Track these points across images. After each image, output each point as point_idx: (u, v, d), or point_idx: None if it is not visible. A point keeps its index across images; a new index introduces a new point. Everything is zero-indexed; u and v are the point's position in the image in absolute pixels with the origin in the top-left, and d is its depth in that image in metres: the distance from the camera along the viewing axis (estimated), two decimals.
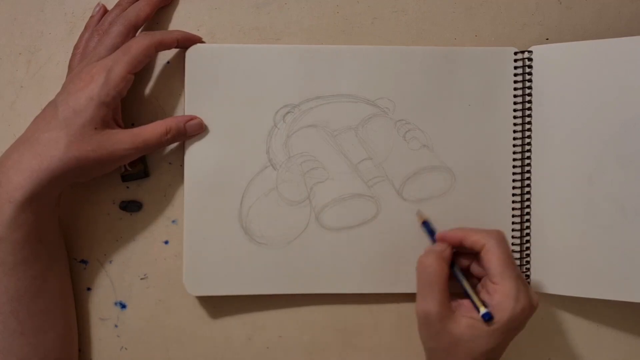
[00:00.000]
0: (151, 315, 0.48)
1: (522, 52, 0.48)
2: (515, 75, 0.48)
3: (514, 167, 0.48)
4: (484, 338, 0.40)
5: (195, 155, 0.46)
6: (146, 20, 0.45)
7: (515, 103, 0.48)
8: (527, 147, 0.48)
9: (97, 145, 0.41)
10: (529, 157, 0.48)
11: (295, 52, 0.47)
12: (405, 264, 0.47)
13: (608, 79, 0.46)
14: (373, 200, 0.47)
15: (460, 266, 0.44)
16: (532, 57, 0.48)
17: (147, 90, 0.48)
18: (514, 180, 0.48)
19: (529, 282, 0.48)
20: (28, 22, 0.48)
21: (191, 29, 0.48)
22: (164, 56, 0.48)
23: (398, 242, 0.47)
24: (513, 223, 0.48)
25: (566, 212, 0.47)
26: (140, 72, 0.43)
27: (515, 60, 0.48)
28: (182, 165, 0.47)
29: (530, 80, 0.48)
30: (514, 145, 0.48)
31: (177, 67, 0.48)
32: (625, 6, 0.49)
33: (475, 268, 0.44)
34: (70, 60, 0.46)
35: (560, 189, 0.47)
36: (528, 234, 0.48)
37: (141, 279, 0.48)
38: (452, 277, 0.43)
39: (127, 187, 0.48)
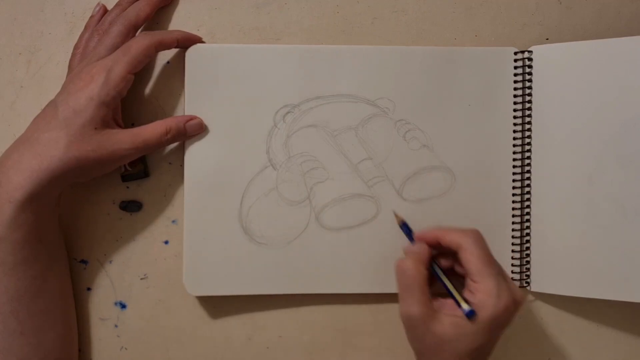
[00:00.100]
0: (151, 315, 0.48)
1: (522, 52, 0.48)
2: (515, 75, 0.48)
3: (514, 167, 0.48)
4: (469, 336, 0.40)
5: (195, 155, 0.46)
6: (146, 20, 0.45)
7: (515, 103, 0.48)
8: (527, 147, 0.48)
9: (97, 145, 0.41)
10: (529, 157, 0.48)
11: (295, 52, 0.47)
12: None
13: (608, 79, 0.46)
14: (373, 200, 0.47)
15: (444, 267, 0.44)
16: (532, 57, 0.48)
17: (147, 90, 0.48)
18: (514, 180, 0.48)
19: (529, 282, 0.48)
20: (28, 22, 0.48)
21: (191, 29, 0.48)
22: (164, 56, 0.48)
23: (398, 242, 0.47)
24: (513, 223, 0.48)
25: (566, 212, 0.47)
26: (140, 72, 0.43)
27: (515, 60, 0.48)
28: (182, 165, 0.47)
29: (530, 80, 0.48)
30: (514, 145, 0.48)
31: (177, 67, 0.48)
32: (625, 6, 0.49)
33: (458, 268, 0.44)
34: (70, 60, 0.46)
35: (560, 189, 0.47)
36: (528, 234, 0.48)
37: (141, 279, 0.48)
38: (435, 278, 0.43)
39: (127, 187, 0.48)
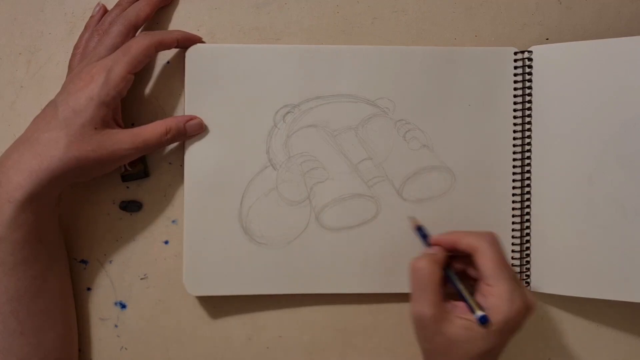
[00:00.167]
0: (151, 315, 0.48)
1: (522, 52, 0.48)
2: (515, 75, 0.48)
3: (514, 167, 0.48)
4: (480, 340, 0.40)
5: (195, 155, 0.46)
6: (146, 20, 0.45)
7: (515, 103, 0.48)
8: (527, 147, 0.48)
9: (97, 145, 0.41)
10: (529, 157, 0.48)
11: (295, 52, 0.47)
12: (405, 264, 0.46)
13: (608, 79, 0.46)
14: (373, 200, 0.47)
15: (457, 270, 0.44)
16: (532, 57, 0.48)
17: (147, 90, 0.48)
18: (514, 180, 0.48)
19: (529, 282, 0.48)
20: (28, 22, 0.48)
21: (191, 29, 0.48)
22: (164, 56, 0.48)
23: (398, 242, 0.47)
24: (513, 223, 0.48)
25: (566, 212, 0.47)
26: (140, 72, 0.43)
27: (515, 60, 0.48)
28: (182, 165, 0.47)
29: (530, 80, 0.48)
30: (514, 145, 0.48)
31: (177, 67, 0.48)
32: (625, 6, 0.49)
33: (471, 271, 0.44)
34: (70, 60, 0.46)
35: (560, 189, 0.47)
36: (528, 234, 0.48)
37: (141, 279, 0.48)
38: (448, 281, 0.43)
39: (127, 187, 0.48)
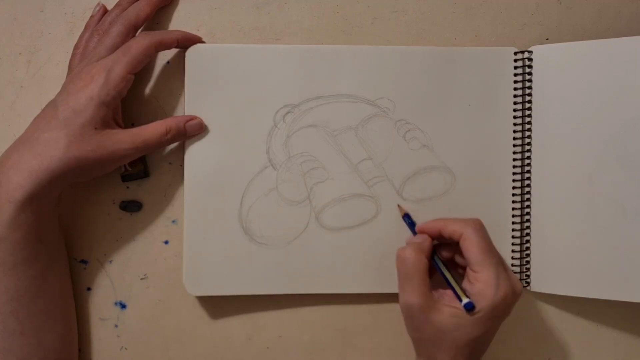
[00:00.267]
0: (151, 315, 0.48)
1: (522, 52, 0.48)
2: (515, 75, 0.48)
3: (514, 167, 0.48)
4: (468, 327, 0.40)
5: (195, 155, 0.46)
6: (146, 20, 0.45)
7: (515, 103, 0.48)
8: (527, 147, 0.48)
9: (97, 145, 0.41)
10: (529, 157, 0.48)
11: (295, 52, 0.47)
12: None
13: (608, 79, 0.46)
14: (373, 200, 0.47)
15: (444, 257, 0.44)
16: (532, 57, 0.48)
17: (147, 90, 0.48)
18: (514, 180, 0.48)
19: (529, 282, 0.48)
20: (28, 22, 0.48)
21: (191, 29, 0.48)
22: (164, 56, 0.48)
23: (398, 242, 0.47)
24: (513, 223, 0.48)
25: (566, 212, 0.47)
26: (140, 72, 0.43)
27: (515, 60, 0.48)
28: (182, 165, 0.47)
29: (530, 80, 0.48)
30: (514, 145, 0.48)
31: (177, 67, 0.48)
32: (625, 6, 0.49)
33: (459, 258, 0.44)
34: (70, 60, 0.46)
35: (560, 189, 0.47)
36: (528, 234, 0.48)
37: (141, 279, 0.48)
38: (436, 269, 0.44)
39: (127, 187, 0.48)
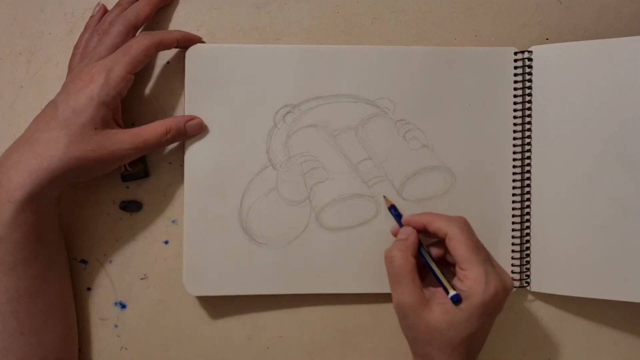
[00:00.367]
0: (151, 315, 0.48)
1: (522, 52, 0.48)
2: (515, 75, 0.48)
3: (514, 167, 0.48)
4: (461, 325, 0.40)
5: (195, 155, 0.46)
6: (146, 20, 0.45)
7: (515, 103, 0.48)
8: (527, 147, 0.48)
9: (97, 145, 0.41)
10: (529, 157, 0.48)
11: (295, 52, 0.47)
12: None
13: (608, 79, 0.46)
14: (373, 200, 0.47)
15: (435, 256, 0.45)
16: (532, 57, 0.48)
17: (147, 90, 0.48)
18: (514, 180, 0.48)
19: (529, 282, 0.48)
20: (28, 22, 0.48)
21: (191, 29, 0.48)
22: (164, 56, 0.48)
23: None
24: (513, 223, 0.48)
25: (566, 212, 0.47)
26: (140, 72, 0.43)
27: (515, 60, 0.48)
28: (182, 165, 0.47)
29: (530, 80, 0.48)
30: (514, 145, 0.48)
31: (177, 67, 0.48)
32: (625, 6, 0.49)
33: (449, 257, 0.44)
34: (70, 60, 0.46)
35: (560, 189, 0.47)
36: (528, 234, 0.48)
37: (141, 279, 0.48)
38: (424, 262, 0.44)
39: (127, 187, 0.48)
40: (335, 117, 0.47)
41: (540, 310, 0.50)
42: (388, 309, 0.49)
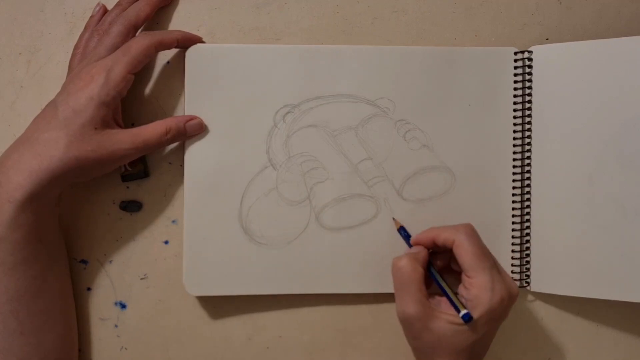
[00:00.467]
0: (151, 315, 0.48)
1: (522, 52, 0.48)
2: (515, 75, 0.48)
3: (514, 167, 0.48)
4: (466, 332, 0.40)
5: (195, 155, 0.46)
6: (146, 20, 0.45)
7: (515, 103, 0.48)
8: (527, 147, 0.48)
9: (97, 145, 0.41)
10: (529, 157, 0.48)
11: (295, 52, 0.47)
12: None
13: (608, 79, 0.46)
14: (373, 200, 0.47)
15: (439, 266, 0.45)
16: (532, 57, 0.48)
17: (147, 90, 0.48)
18: (514, 180, 0.48)
19: (529, 282, 0.48)
20: (28, 22, 0.48)
21: (191, 29, 0.48)
22: (164, 56, 0.48)
23: (398, 242, 0.47)
24: (513, 223, 0.48)
25: (566, 212, 0.47)
26: (140, 72, 0.43)
27: (515, 60, 0.48)
28: (182, 165, 0.47)
29: (530, 80, 0.48)
30: (514, 145, 0.48)
31: (177, 67, 0.48)
32: (625, 6, 0.49)
33: (454, 265, 0.44)
34: (70, 60, 0.46)
35: (560, 189, 0.47)
36: (528, 234, 0.48)
37: (141, 279, 0.48)
38: (433, 280, 0.44)
39: (127, 187, 0.48)
40: (335, 117, 0.47)
41: (540, 310, 0.50)
42: (388, 309, 0.49)
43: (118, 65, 0.42)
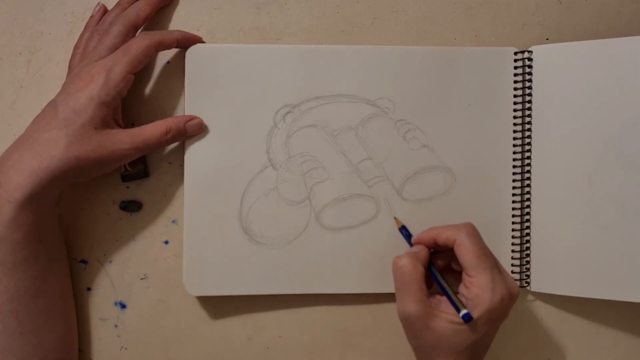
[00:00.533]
0: (151, 315, 0.48)
1: (522, 52, 0.48)
2: (515, 75, 0.48)
3: (514, 167, 0.48)
4: (467, 332, 0.40)
5: (195, 155, 0.46)
6: (146, 20, 0.45)
7: (515, 103, 0.48)
8: (527, 147, 0.48)
9: (97, 145, 0.41)
10: (529, 157, 0.48)
11: (295, 52, 0.47)
12: None
13: (608, 79, 0.46)
14: (373, 200, 0.47)
15: (440, 266, 0.45)
16: (532, 57, 0.48)
17: (147, 90, 0.48)
18: (514, 180, 0.48)
19: (529, 282, 0.48)
20: (28, 22, 0.48)
21: (191, 29, 0.48)
22: (164, 56, 0.48)
23: (398, 242, 0.47)
24: (513, 223, 0.48)
25: (566, 212, 0.47)
26: (140, 72, 0.43)
27: (515, 60, 0.48)
28: (182, 165, 0.47)
29: (530, 80, 0.48)
30: (514, 145, 0.48)
31: (177, 67, 0.48)
32: (625, 6, 0.49)
33: (454, 264, 0.44)
34: (70, 60, 0.46)
35: (560, 189, 0.47)
36: (528, 234, 0.48)
37: (141, 279, 0.48)
38: (434, 280, 0.44)
39: (127, 187, 0.48)
40: (335, 117, 0.47)
41: (540, 310, 0.50)
42: (388, 309, 0.49)
43: (118, 65, 0.42)
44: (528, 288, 0.48)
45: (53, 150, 0.40)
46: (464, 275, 0.42)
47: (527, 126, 0.48)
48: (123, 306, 0.48)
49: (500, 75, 0.48)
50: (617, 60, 0.46)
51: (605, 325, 0.50)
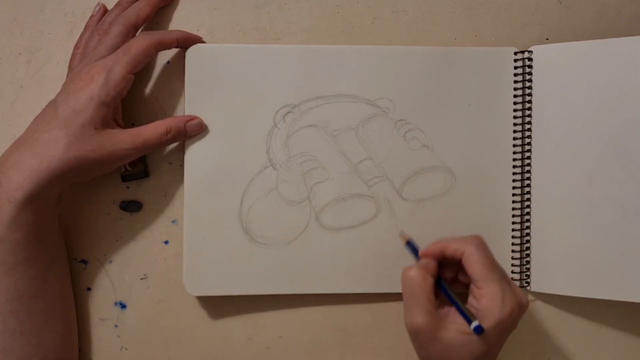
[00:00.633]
0: (151, 315, 0.48)
1: (522, 52, 0.48)
2: (515, 75, 0.48)
3: (514, 167, 0.48)
4: (475, 343, 0.40)
5: (195, 155, 0.46)
6: (146, 20, 0.45)
7: (515, 103, 0.48)
8: (527, 147, 0.48)
9: (97, 145, 0.41)
10: (529, 157, 0.48)
11: (295, 52, 0.47)
12: (405, 264, 0.46)
13: (608, 79, 0.46)
14: (373, 201, 0.47)
15: (447, 278, 0.44)
16: (532, 57, 0.48)
17: (147, 90, 0.48)
18: (514, 180, 0.48)
19: (529, 282, 0.48)
20: (28, 22, 0.48)
21: (191, 29, 0.48)
22: (164, 56, 0.48)
23: (398, 242, 0.47)
24: (513, 223, 0.48)
25: (566, 212, 0.47)
26: (140, 72, 0.43)
27: (515, 60, 0.48)
28: (182, 165, 0.47)
29: (530, 80, 0.48)
30: (514, 145, 0.48)
31: (177, 67, 0.48)
32: (625, 6, 0.49)
33: (462, 276, 0.44)
34: (70, 60, 0.46)
35: (560, 189, 0.47)
36: (528, 234, 0.48)
37: (141, 279, 0.48)
38: (443, 293, 0.43)
39: (127, 187, 0.48)
40: (335, 117, 0.47)
41: (541, 310, 0.50)
42: (388, 309, 0.49)
43: (118, 65, 0.42)
44: (528, 288, 0.48)
45: (53, 150, 0.40)
46: (473, 287, 0.41)
47: (527, 126, 0.48)
48: (123, 306, 0.48)
49: (500, 75, 0.48)
50: (617, 60, 0.46)
51: (605, 325, 0.50)
